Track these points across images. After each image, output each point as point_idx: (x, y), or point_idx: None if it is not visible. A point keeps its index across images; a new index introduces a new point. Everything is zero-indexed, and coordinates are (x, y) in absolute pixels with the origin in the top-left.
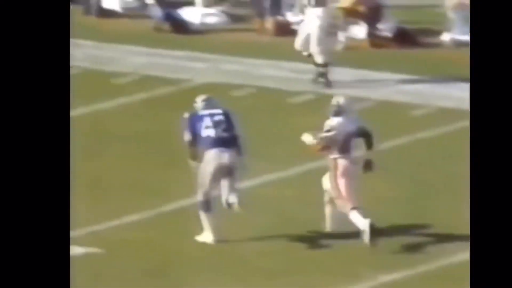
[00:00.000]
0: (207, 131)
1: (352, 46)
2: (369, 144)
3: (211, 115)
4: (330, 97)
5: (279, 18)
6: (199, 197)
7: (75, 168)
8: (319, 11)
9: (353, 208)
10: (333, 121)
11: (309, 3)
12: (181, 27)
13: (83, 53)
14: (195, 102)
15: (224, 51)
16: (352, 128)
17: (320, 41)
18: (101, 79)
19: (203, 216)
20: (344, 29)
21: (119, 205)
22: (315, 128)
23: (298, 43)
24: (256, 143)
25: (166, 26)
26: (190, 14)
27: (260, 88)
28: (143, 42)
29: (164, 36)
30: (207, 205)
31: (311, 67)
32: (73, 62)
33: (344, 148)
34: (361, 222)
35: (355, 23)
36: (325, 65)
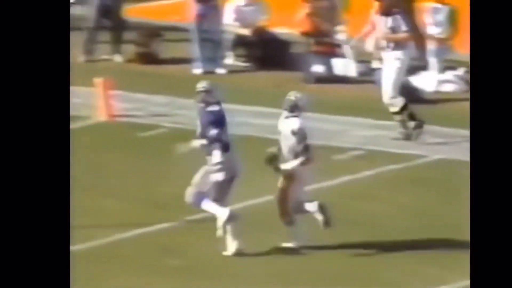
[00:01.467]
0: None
1: None
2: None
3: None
4: None
5: None
6: (189, 199)
7: None
8: (398, 53)
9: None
10: (296, 124)
11: (387, 46)
12: (412, 95)
13: None
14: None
15: (464, 125)
16: (307, 129)
17: (396, 86)
18: (322, 155)
19: (206, 206)
20: None
21: None
22: None
23: (386, 95)
24: None
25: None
26: (423, 81)
27: None
28: (368, 112)
29: None
30: (201, 198)
31: None
32: None
33: (309, 152)
34: (310, 206)
35: None
36: (401, 111)
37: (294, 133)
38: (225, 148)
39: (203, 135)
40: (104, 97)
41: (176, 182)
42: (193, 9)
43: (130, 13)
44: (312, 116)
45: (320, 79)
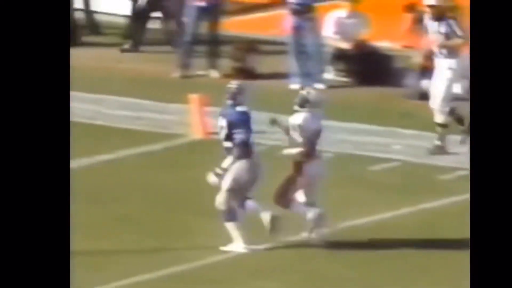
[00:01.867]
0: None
1: None
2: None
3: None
4: None
5: None
6: (222, 206)
7: None
8: (452, 62)
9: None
10: (299, 119)
11: (440, 53)
12: None
13: (403, 144)
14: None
15: None
16: (317, 124)
17: (447, 97)
18: (426, 175)
19: (230, 226)
20: None
21: None
22: None
23: (434, 105)
24: None
25: None
26: None
27: None
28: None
29: None
30: (233, 214)
31: None
32: (391, 154)
33: (310, 147)
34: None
35: None
36: (445, 126)
37: (294, 127)
38: (249, 154)
39: (229, 136)
40: (200, 114)
41: (271, 201)
42: (289, 22)
43: (227, 26)
44: (416, 134)
45: (424, 96)
